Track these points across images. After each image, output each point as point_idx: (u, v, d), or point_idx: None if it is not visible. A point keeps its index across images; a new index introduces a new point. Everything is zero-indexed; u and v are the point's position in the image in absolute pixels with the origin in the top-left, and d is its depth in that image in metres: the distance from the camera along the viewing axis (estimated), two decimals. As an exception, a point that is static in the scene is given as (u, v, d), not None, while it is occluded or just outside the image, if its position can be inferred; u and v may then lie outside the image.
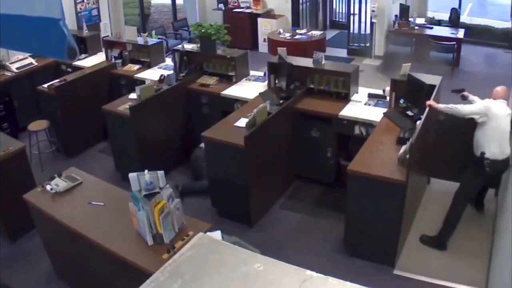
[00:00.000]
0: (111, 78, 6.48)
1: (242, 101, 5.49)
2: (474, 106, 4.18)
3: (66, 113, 5.97)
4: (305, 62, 5.58)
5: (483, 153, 4.04)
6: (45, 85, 5.99)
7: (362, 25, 9.86)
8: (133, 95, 5.50)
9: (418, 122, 4.13)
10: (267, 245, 4.27)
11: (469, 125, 4.40)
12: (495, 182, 4.71)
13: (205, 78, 5.98)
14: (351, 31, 9.84)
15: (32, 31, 1.55)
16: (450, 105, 4.23)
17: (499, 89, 4.27)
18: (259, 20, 10.05)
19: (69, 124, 6.03)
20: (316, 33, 9.10)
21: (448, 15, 10.06)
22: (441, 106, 4.26)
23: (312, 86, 5.43)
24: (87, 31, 7.25)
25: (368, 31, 9.59)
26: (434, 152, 4.87)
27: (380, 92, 5.29)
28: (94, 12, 8.27)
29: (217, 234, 3.04)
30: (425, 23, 9.46)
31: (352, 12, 9.92)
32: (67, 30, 1.52)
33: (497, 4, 14.04)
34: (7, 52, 6.70)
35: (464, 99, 4.63)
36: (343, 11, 11.17)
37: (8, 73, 6.56)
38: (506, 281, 3.03)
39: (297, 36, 8.93)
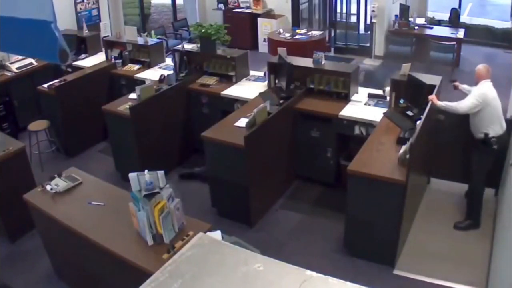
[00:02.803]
0: (111, 78, 6.48)
1: (242, 101, 5.49)
2: (468, 102, 4.19)
3: (66, 113, 5.97)
4: (305, 62, 5.57)
5: (487, 134, 4.12)
6: (45, 85, 5.98)
7: (353, 24, 9.95)
8: (133, 95, 5.49)
9: (418, 122, 4.13)
10: (267, 245, 4.27)
11: (469, 125, 4.40)
12: (495, 182, 4.72)
13: (205, 78, 5.98)
14: (337, 30, 10.01)
15: (23, 33, 1.54)
16: (447, 103, 4.29)
17: (482, 68, 4.29)
18: (259, 20, 10.05)
19: (69, 124, 6.03)
20: (316, 33, 9.10)
21: (448, 15, 10.06)
22: (439, 103, 4.31)
23: (312, 86, 5.43)
24: (87, 31, 7.24)
25: (362, 30, 9.64)
26: (434, 152, 4.88)
27: (380, 92, 5.29)
28: (94, 12, 8.28)
29: (217, 234, 3.03)
30: (425, 23, 9.47)
31: (343, 11, 10.02)
32: (59, 32, 1.51)
33: (497, 4, 14.04)
34: (7, 52, 6.71)
35: (455, 89, 4.75)
36: (344, 11, 11.18)
37: (8, 73, 6.55)
38: (506, 281, 3.03)
39: (297, 36, 8.92)
